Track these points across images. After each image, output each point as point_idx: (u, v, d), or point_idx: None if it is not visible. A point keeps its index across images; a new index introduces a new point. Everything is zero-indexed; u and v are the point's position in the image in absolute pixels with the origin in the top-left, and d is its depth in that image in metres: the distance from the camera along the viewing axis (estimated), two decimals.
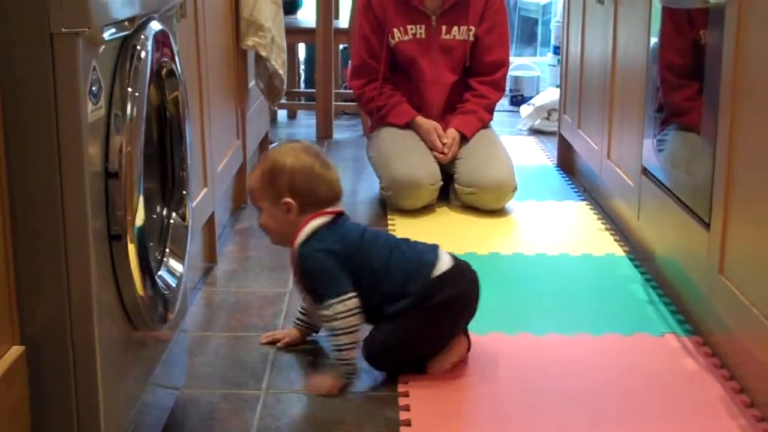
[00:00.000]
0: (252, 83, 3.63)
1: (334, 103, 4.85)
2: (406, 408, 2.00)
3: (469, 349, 2.22)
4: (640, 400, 2.04)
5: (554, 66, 5.62)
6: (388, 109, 3.61)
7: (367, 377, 2.14)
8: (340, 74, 5.37)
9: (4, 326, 1.32)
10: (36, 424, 1.39)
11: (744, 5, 1.97)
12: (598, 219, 3.36)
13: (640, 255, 2.94)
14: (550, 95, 4.96)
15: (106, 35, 1.39)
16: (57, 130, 1.30)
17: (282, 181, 2.14)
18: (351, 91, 3.97)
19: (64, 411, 1.40)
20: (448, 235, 3.16)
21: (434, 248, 2.22)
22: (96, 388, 1.40)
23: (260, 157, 2.21)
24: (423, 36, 3.59)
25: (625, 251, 3.00)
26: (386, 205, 3.49)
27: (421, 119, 3.60)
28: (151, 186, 1.67)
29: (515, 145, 4.44)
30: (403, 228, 3.23)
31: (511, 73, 5.08)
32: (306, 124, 5.16)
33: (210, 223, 2.82)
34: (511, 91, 5.57)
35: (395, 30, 3.59)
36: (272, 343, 2.29)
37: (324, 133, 4.81)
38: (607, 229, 3.23)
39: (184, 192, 1.80)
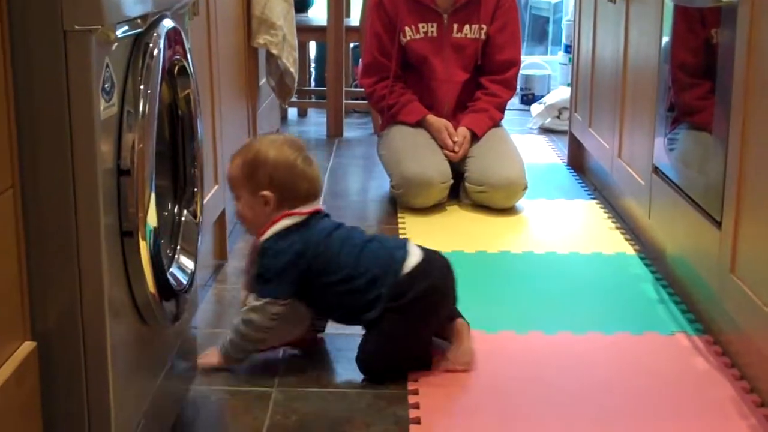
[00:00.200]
0: (263, 81, 3.64)
1: (344, 101, 4.85)
2: (416, 406, 2.00)
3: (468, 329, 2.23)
4: (651, 399, 2.04)
5: (565, 65, 5.62)
6: (399, 107, 3.61)
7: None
8: (351, 72, 5.37)
9: (16, 322, 1.33)
10: (47, 420, 1.39)
11: (757, 4, 1.96)
12: (609, 218, 3.35)
13: (650, 254, 2.94)
14: (560, 94, 4.96)
15: (119, 33, 1.39)
16: (70, 127, 1.31)
17: (263, 173, 2.14)
18: (362, 89, 3.98)
19: (76, 407, 1.40)
20: (458, 234, 3.17)
21: (404, 243, 2.22)
22: (107, 384, 1.40)
23: (242, 146, 2.21)
24: (434, 34, 3.59)
25: (635, 250, 2.99)
26: (397, 204, 3.49)
27: (432, 117, 3.60)
28: (162, 183, 1.68)
29: (526, 143, 4.43)
30: (413, 226, 3.24)
31: (522, 71, 5.07)
32: (316, 122, 5.16)
33: (221, 220, 2.82)
34: (522, 89, 5.57)
35: (407, 28, 3.59)
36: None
37: (334, 131, 4.81)
38: (617, 228, 3.23)
39: (195, 189, 1.81)
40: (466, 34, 3.60)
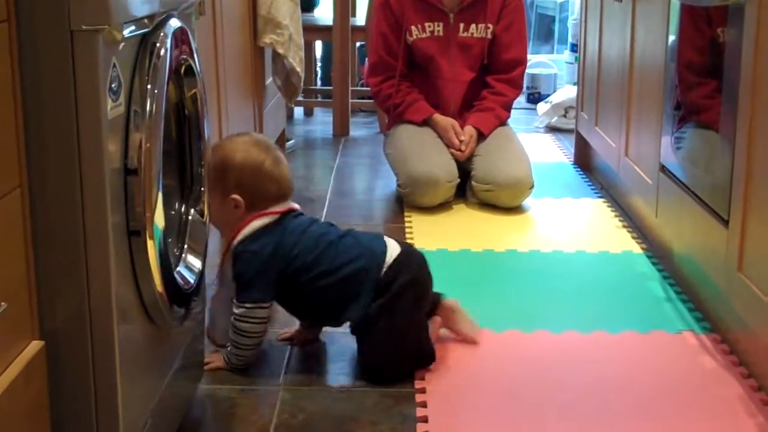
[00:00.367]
0: (269, 80, 3.64)
1: (350, 100, 4.85)
2: (423, 404, 2.00)
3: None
4: (658, 398, 2.04)
5: (571, 63, 5.61)
6: (405, 106, 3.62)
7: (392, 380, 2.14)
8: (357, 72, 5.37)
9: (24, 321, 1.33)
10: (55, 419, 1.39)
11: (764, 3, 1.96)
12: (616, 216, 3.35)
13: (657, 252, 2.93)
14: (567, 93, 4.96)
15: (126, 32, 1.39)
16: (77, 126, 1.31)
17: (230, 177, 2.14)
18: (368, 88, 3.98)
19: (83, 405, 1.40)
20: (465, 233, 3.17)
21: (380, 237, 2.24)
22: (115, 384, 1.40)
23: (214, 147, 2.17)
24: (441, 33, 3.59)
25: (642, 248, 2.99)
26: (403, 203, 3.49)
27: (438, 116, 3.60)
28: (169, 183, 1.68)
29: (532, 142, 4.43)
30: (419, 225, 3.24)
31: (529, 70, 5.06)
32: (322, 122, 5.16)
33: None
34: (528, 88, 5.56)
35: (413, 27, 3.59)
36: (288, 340, 2.29)
37: (341, 130, 4.81)
38: (624, 227, 3.22)
39: (202, 188, 1.81)
40: (472, 33, 3.60)
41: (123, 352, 1.41)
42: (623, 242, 3.06)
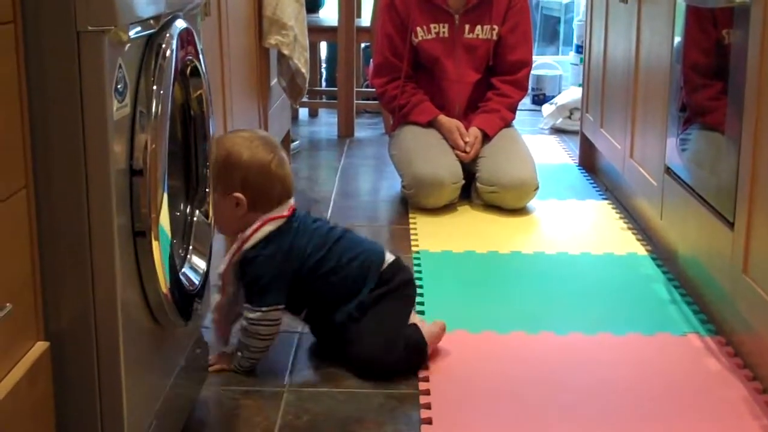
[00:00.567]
0: (274, 81, 3.64)
1: (355, 101, 4.85)
2: (428, 406, 2.00)
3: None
4: (662, 400, 2.04)
5: (576, 65, 5.61)
6: (410, 107, 3.62)
7: (388, 375, 2.14)
8: (362, 73, 5.37)
9: (29, 322, 1.33)
10: (60, 420, 1.39)
11: None
12: (621, 218, 3.35)
13: (662, 254, 2.93)
14: (572, 94, 4.95)
15: (132, 33, 1.40)
16: (83, 127, 1.31)
17: (236, 175, 2.11)
18: (373, 89, 3.98)
19: (88, 407, 1.40)
20: (469, 234, 3.16)
21: (379, 245, 2.31)
22: (119, 385, 1.40)
23: (217, 141, 2.10)
24: (446, 35, 3.59)
25: (647, 251, 2.99)
26: (408, 204, 3.49)
27: (443, 118, 3.60)
28: (175, 183, 1.68)
29: (537, 144, 4.43)
30: (424, 227, 3.23)
31: (533, 71, 5.07)
32: (327, 123, 5.16)
33: None
34: (533, 90, 5.56)
35: (418, 28, 3.59)
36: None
37: (345, 131, 4.82)
38: (629, 229, 3.22)
39: (207, 189, 1.81)
40: (477, 35, 3.60)
41: (128, 353, 1.41)
42: (628, 244, 3.06)
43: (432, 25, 3.59)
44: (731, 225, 2.15)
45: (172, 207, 1.59)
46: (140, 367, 1.49)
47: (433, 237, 3.12)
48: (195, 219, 1.77)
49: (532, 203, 3.47)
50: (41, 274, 1.35)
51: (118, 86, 1.35)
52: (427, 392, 2.06)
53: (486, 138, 3.56)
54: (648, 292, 2.65)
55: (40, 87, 1.30)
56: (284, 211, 2.16)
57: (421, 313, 2.43)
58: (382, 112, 4.72)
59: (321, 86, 5.58)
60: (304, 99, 4.27)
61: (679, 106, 2.61)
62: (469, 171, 3.50)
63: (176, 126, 1.70)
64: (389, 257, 2.24)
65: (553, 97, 5.28)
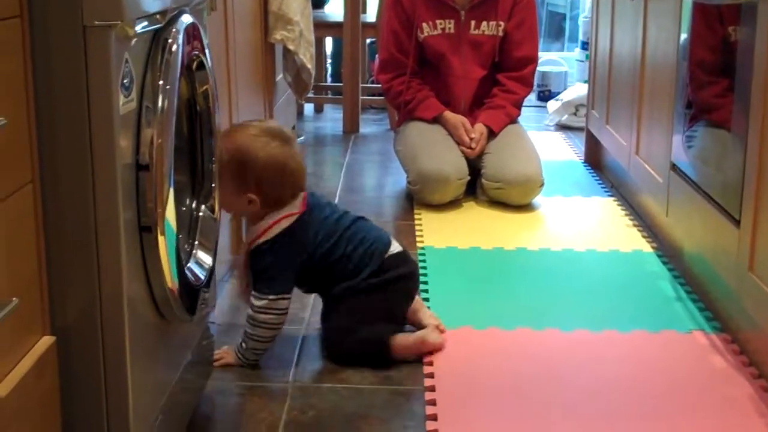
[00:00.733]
0: (280, 77, 3.64)
1: (360, 97, 4.85)
2: (433, 402, 2.00)
3: (434, 345, 2.23)
4: (668, 397, 2.04)
5: (582, 61, 5.60)
6: (416, 103, 3.61)
7: (393, 371, 2.14)
8: (367, 68, 5.37)
9: (35, 317, 1.33)
10: (66, 414, 1.40)
11: None
12: (626, 215, 3.35)
13: (668, 251, 2.93)
14: (577, 90, 4.95)
15: (138, 28, 1.40)
16: (89, 122, 1.31)
17: (250, 176, 2.10)
18: (378, 85, 3.97)
19: (94, 401, 1.41)
20: (475, 230, 3.16)
21: (387, 233, 2.32)
22: (125, 379, 1.41)
23: (228, 133, 2.14)
24: (452, 31, 3.59)
25: (653, 247, 2.98)
26: (413, 200, 3.48)
27: (449, 114, 3.59)
28: (180, 178, 1.68)
29: (542, 140, 4.43)
30: (429, 223, 3.23)
31: (539, 68, 5.05)
32: (333, 118, 5.16)
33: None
34: (538, 86, 5.55)
35: (424, 24, 3.59)
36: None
37: (351, 127, 4.81)
38: (634, 225, 3.22)
39: (213, 185, 1.81)
40: (483, 31, 3.59)
41: (133, 347, 1.41)
42: (633, 241, 3.06)
43: (438, 21, 3.59)
44: (737, 222, 2.14)
45: (178, 202, 1.59)
46: (146, 361, 1.49)
47: (438, 233, 3.12)
48: (201, 214, 1.77)
49: (538, 200, 3.47)
50: (47, 269, 1.35)
51: (125, 81, 1.35)
52: (432, 388, 2.06)
53: (491, 134, 3.56)
54: (653, 289, 2.65)
55: (47, 81, 1.30)
56: (296, 207, 2.16)
57: None
58: (388, 108, 4.72)
59: (326, 82, 5.58)
60: (310, 94, 4.27)
61: (685, 103, 2.61)
62: (475, 167, 3.50)
63: (182, 121, 1.70)
64: (395, 248, 2.26)
65: (559, 93, 5.28)
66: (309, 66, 3.68)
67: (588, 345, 2.29)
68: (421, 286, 2.58)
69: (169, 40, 1.51)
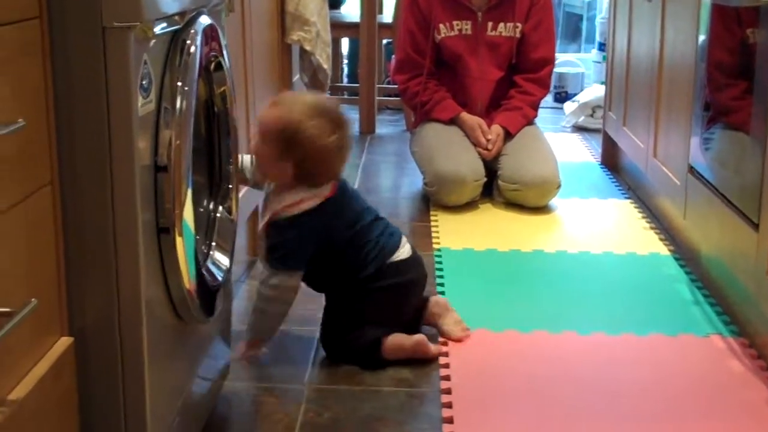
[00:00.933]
0: (296, 77, 3.64)
1: (377, 97, 4.85)
2: (449, 405, 1.99)
3: (429, 353, 2.22)
4: (685, 401, 2.03)
5: (599, 62, 5.59)
6: (432, 104, 3.61)
7: (409, 373, 2.14)
8: (384, 69, 5.37)
9: (53, 318, 1.33)
10: (84, 415, 1.40)
11: None
12: (643, 217, 3.33)
13: (685, 254, 2.91)
14: (594, 92, 4.93)
15: (157, 29, 1.40)
16: (108, 123, 1.32)
17: (297, 151, 2.09)
18: (394, 86, 3.97)
19: (112, 402, 1.41)
20: (491, 232, 3.16)
21: (399, 233, 2.30)
22: (142, 380, 1.41)
23: (287, 98, 2.17)
24: (469, 32, 3.58)
25: (670, 250, 2.97)
26: (429, 201, 3.48)
27: (465, 115, 3.59)
28: (198, 180, 1.68)
29: (559, 142, 4.42)
30: (446, 224, 3.23)
31: (556, 69, 5.04)
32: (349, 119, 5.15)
33: (254, 216, 2.83)
34: (555, 87, 5.54)
35: (441, 25, 3.58)
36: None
37: (367, 127, 4.81)
38: (652, 228, 3.21)
39: (230, 186, 1.81)
40: (500, 32, 3.59)
41: (151, 348, 1.41)
42: (650, 244, 3.04)
43: (455, 23, 3.58)
44: (756, 226, 2.13)
45: (196, 203, 1.59)
46: (163, 363, 1.49)
47: (454, 234, 3.12)
48: (218, 215, 1.77)
49: (554, 201, 3.46)
50: (66, 270, 1.35)
51: (143, 82, 1.35)
52: (448, 391, 2.05)
53: (508, 136, 3.55)
54: (671, 292, 2.64)
55: (66, 83, 1.30)
56: (327, 190, 2.16)
57: None
58: (404, 109, 4.71)
59: (343, 82, 5.58)
60: (326, 95, 4.26)
61: (703, 105, 2.60)
62: (491, 168, 3.49)
63: (200, 122, 1.70)
64: (401, 254, 2.25)
65: (576, 94, 5.26)
66: (325, 66, 3.67)
67: (605, 348, 2.28)
68: (437, 288, 2.58)
69: (188, 42, 1.51)
